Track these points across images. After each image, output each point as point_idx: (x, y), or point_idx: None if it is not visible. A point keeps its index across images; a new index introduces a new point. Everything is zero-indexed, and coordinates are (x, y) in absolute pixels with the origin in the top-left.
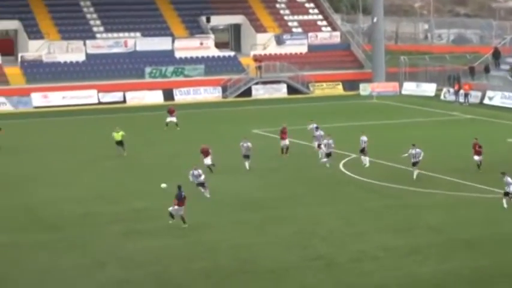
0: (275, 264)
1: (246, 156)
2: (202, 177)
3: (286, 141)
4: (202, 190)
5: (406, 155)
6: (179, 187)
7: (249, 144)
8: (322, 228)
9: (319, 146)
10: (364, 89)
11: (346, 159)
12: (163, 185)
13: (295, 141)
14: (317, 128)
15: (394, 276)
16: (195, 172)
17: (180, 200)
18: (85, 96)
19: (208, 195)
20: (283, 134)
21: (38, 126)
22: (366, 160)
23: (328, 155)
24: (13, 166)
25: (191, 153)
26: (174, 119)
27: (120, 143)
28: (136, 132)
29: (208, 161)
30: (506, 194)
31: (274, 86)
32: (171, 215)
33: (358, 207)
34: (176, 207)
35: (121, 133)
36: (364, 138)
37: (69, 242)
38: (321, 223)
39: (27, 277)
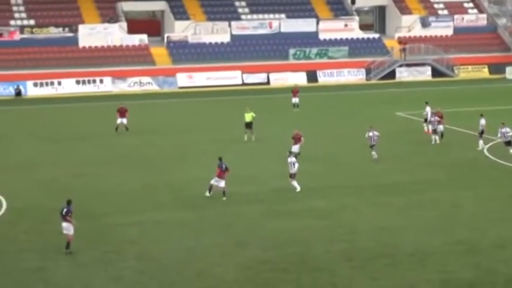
0: (416, 248)
1: (373, 147)
2: (296, 167)
3: (441, 127)
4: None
5: (498, 136)
6: (220, 159)
7: (376, 132)
8: (464, 213)
9: (434, 131)
10: (511, 72)
11: (491, 143)
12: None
13: None
14: (433, 113)
15: None
16: (289, 160)
17: (221, 170)
18: (229, 77)
19: (298, 188)
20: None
21: (182, 106)
22: (481, 144)
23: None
24: (158, 145)
25: (330, 136)
26: (296, 100)
27: (249, 124)
28: (277, 113)
29: (296, 148)
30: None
31: (419, 68)
32: (209, 189)
33: (502, 193)
34: (216, 177)
35: (251, 114)
36: (482, 121)
37: (211, 222)
38: (463, 207)
39: (170, 255)
